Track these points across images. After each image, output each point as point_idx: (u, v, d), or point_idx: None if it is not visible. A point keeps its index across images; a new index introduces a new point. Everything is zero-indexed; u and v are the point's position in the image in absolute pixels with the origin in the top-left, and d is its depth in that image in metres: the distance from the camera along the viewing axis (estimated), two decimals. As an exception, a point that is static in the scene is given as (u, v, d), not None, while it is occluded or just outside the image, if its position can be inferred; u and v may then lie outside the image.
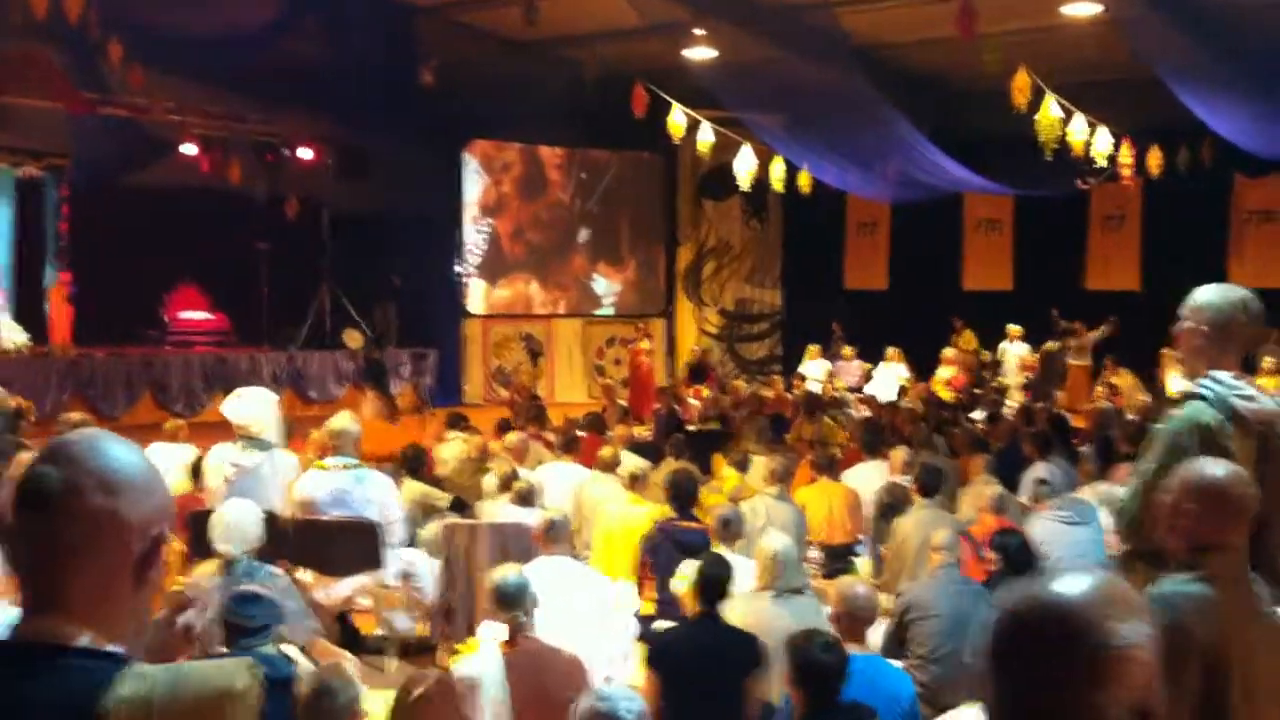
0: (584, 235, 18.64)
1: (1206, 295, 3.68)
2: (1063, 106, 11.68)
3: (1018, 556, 5.69)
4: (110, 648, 1.51)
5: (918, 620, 5.27)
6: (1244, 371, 3.63)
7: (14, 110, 14.15)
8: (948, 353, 15.96)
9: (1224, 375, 3.57)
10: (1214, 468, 2.98)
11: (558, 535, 5.62)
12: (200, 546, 6.13)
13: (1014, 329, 15.66)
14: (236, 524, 5.27)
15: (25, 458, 5.17)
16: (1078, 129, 12.08)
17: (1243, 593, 2.94)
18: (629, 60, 14.21)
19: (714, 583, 4.79)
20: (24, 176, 14.58)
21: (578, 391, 17.63)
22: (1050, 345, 14.82)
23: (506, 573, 4.50)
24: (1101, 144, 12.50)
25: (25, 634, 1.52)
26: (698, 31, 12.89)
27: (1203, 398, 3.55)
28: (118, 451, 1.56)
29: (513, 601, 4.37)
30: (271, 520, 5.94)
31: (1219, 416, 3.50)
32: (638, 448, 9.34)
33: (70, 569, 1.51)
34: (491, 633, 5.51)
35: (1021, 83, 11.15)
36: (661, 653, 4.67)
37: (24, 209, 14.70)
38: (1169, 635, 2.76)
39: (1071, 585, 1.42)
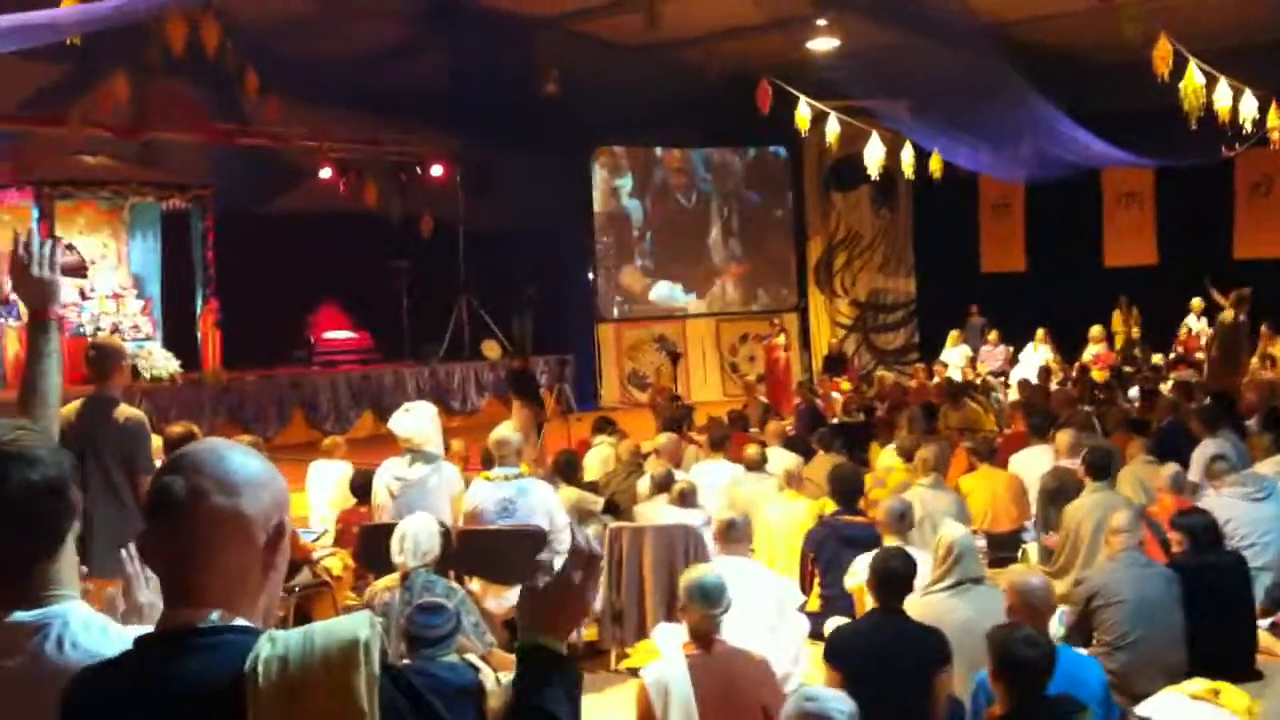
0: (714, 234, 18.61)
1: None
2: (1205, 73, 11.28)
3: (1204, 536, 5.50)
4: (242, 622, 1.68)
5: (1103, 606, 5.11)
6: None
7: (158, 145, 14.70)
8: (1095, 331, 15.52)
9: None
10: None
11: (737, 535, 5.58)
12: (371, 560, 6.26)
13: (1196, 303, 15.00)
14: (415, 537, 5.35)
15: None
16: (1222, 95, 11.66)
17: None
18: (750, 57, 14.12)
19: (896, 577, 4.70)
20: (170, 209, 15.11)
21: (713, 390, 17.60)
22: (1227, 315, 14.26)
23: (702, 571, 4.47)
24: (1248, 108, 12.04)
25: (167, 623, 1.70)
26: (819, 22, 12.77)
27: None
28: (233, 455, 1.75)
29: (709, 599, 4.33)
30: (444, 532, 6.01)
31: None
32: (786, 443, 9.26)
33: (203, 564, 1.69)
34: (668, 635, 5.51)
35: (1164, 51, 10.79)
36: (843, 649, 4.60)
37: (171, 240, 15.22)
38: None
39: None
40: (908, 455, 8.11)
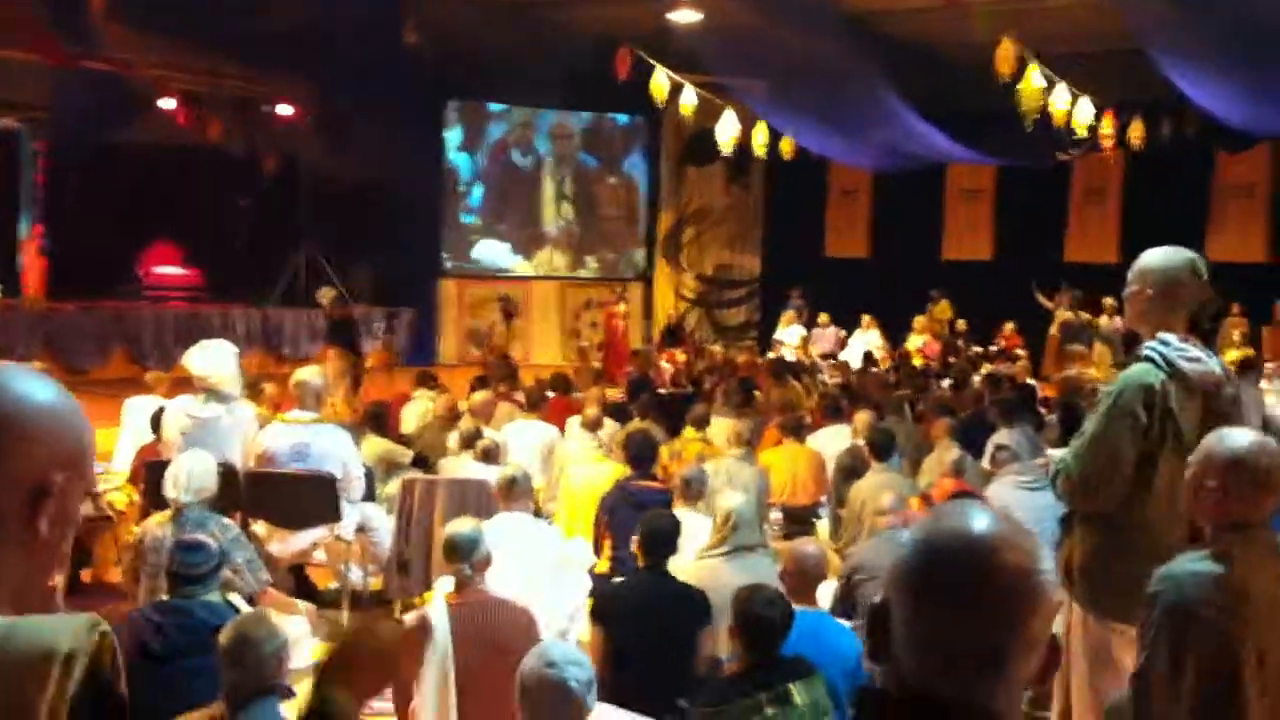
0: (546, 197, 18.60)
1: (1153, 258, 3.66)
2: (1046, 77, 11.63)
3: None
4: None
5: (865, 581, 5.28)
6: (1191, 334, 3.62)
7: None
8: (918, 321, 15.96)
9: (1170, 337, 3.57)
10: (1236, 439, 2.91)
11: (517, 491, 5.60)
12: (156, 497, 6.12)
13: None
14: (189, 474, 5.25)
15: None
16: (1060, 99, 12.04)
17: (1268, 569, 2.87)
18: (613, 23, 14.09)
19: (658, 536, 4.79)
20: (3, 129, 14.47)
21: (554, 354, 17.62)
22: (1065, 315, 14.75)
23: (460, 526, 4.50)
24: (1083, 115, 12.47)
25: None
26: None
27: (1149, 359, 3.55)
28: (14, 387, 1.40)
29: (462, 553, 4.36)
30: (228, 472, 5.91)
31: (1164, 377, 3.49)
32: (609, 409, 9.34)
33: None
34: (447, 587, 5.53)
35: (1005, 52, 11.10)
36: (606, 605, 4.68)
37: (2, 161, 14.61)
38: (1171, 615, 2.77)
39: (982, 519, 1.43)
40: (698, 424, 8.26)
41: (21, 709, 1.29)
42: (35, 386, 1.41)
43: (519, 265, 18.35)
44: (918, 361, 13.48)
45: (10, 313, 13.02)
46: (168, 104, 14.86)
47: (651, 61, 12.52)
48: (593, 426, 8.33)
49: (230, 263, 15.34)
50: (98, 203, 14.13)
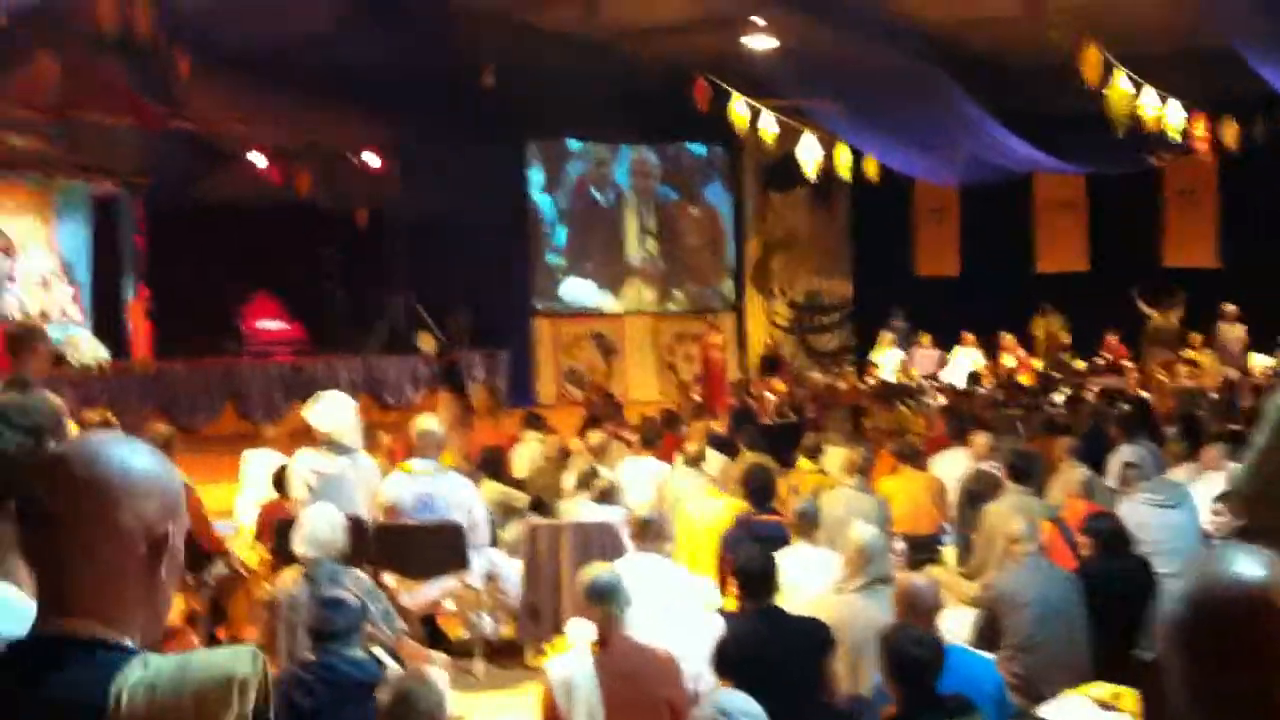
0: (647, 231, 18.63)
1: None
2: (1133, 80, 11.44)
3: (1111, 541, 5.58)
4: (119, 640, 1.57)
5: (1008, 610, 5.18)
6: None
7: (87, 128, 14.41)
8: (1007, 339, 15.68)
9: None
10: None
11: (651, 533, 5.59)
12: (286, 553, 6.20)
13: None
14: (319, 529, 5.31)
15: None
16: (1149, 103, 11.83)
17: None
18: (686, 54, 14.13)
19: (755, 575, 4.75)
20: (99, 194, 14.87)
21: (650, 389, 17.60)
22: (1160, 320, 14.46)
23: (599, 570, 4.49)
24: (1174, 118, 12.23)
25: (37, 632, 1.60)
26: (757, 21, 12.80)
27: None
28: (116, 456, 1.61)
29: (605, 597, 4.35)
30: (355, 525, 5.97)
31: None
32: (714, 443, 9.30)
33: (75, 572, 1.58)
34: (580, 632, 5.52)
35: (1092, 58, 10.94)
36: (725, 657, 4.62)
37: (101, 225, 14.99)
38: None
39: (1252, 565, 1.40)
40: (812, 455, 8.18)
41: None
42: (135, 451, 1.64)
43: (606, 302, 18.39)
44: (1024, 379, 13.26)
45: (122, 376, 13.30)
46: (257, 160, 15.20)
47: (729, 89, 12.53)
48: (695, 461, 8.29)
49: (329, 314, 15.57)
50: (196, 262, 14.44)
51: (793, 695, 4.39)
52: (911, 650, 3.77)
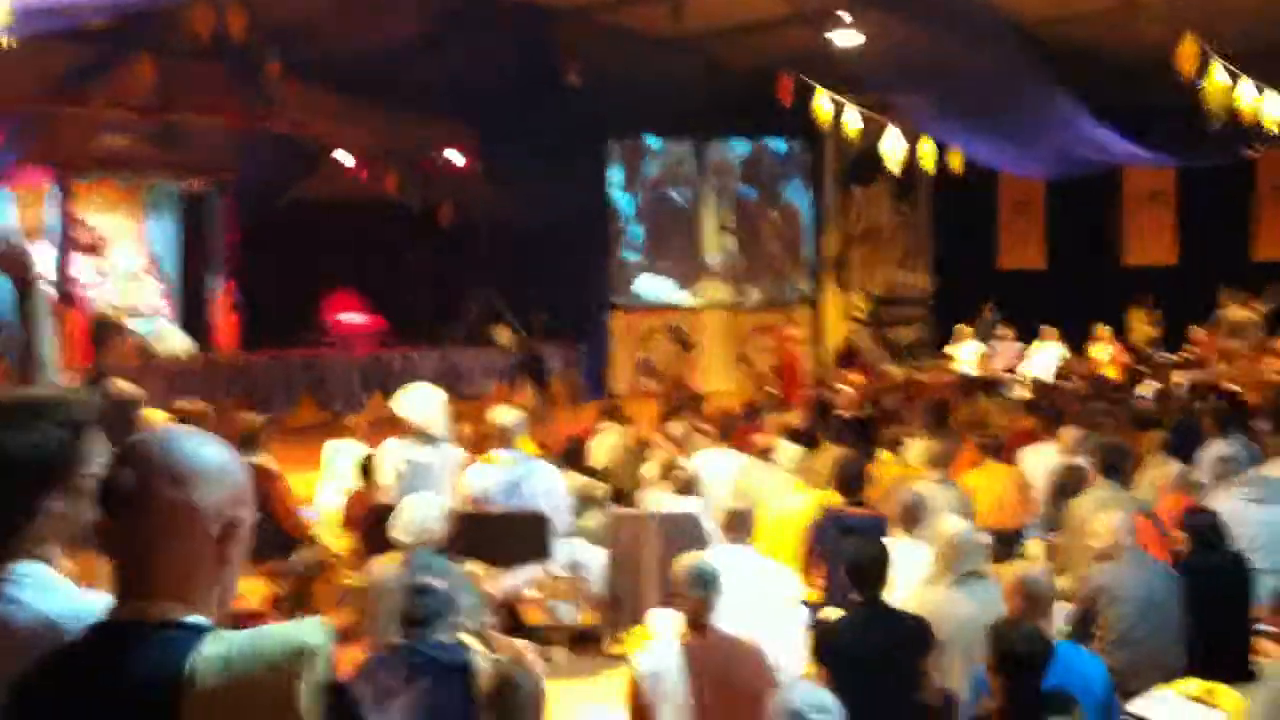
0: (725, 229, 18.58)
1: None
2: (1229, 72, 11.17)
3: (1208, 536, 5.46)
4: (193, 619, 1.66)
5: (1106, 604, 5.08)
6: None
7: (180, 127, 14.74)
8: (1102, 330, 15.41)
9: None
10: None
11: (740, 525, 5.57)
12: (375, 541, 6.26)
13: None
14: (418, 517, 5.36)
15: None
16: (1246, 95, 11.55)
17: None
18: (767, 50, 14.05)
19: (870, 567, 4.69)
20: (189, 191, 15.19)
21: (725, 381, 17.55)
22: (1242, 314, 14.09)
23: (697, 558, 4.49)
24: (1270, 109, 11.91)
25: (116, 615, 1.70)
26: (843, 16, 12.69)
27: None
28: (187, 445, 1.72)
29: (704, 585, 4.34)
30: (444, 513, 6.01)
31: None
32: (793, 435, 9.24)
33: (152, 557, 1.67)
34: (661, 621, 5.51)
35: (1188, 50, 10.69)
36: (827, 642, 4.60)
37: (189, 222, 15.32)
38: None
39: None
40: (892, 447, 8.10)
41: (287, 696, 1.53)
42: (205, 442, 1.75)
43: (683, 297, 18.37)
44: (1110, 373, 13.01)
45: (207, 367, 13.57)
46: (344, 159, 15.44)
47: (813, 84, 12.43)
48: (768, 454, 8.23)
49: (410, 308, 15.77)
50: (283, 257, 14.70)
51: (891, 690, 4.36)
52: (1020, 645, 3.73)
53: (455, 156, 15.84)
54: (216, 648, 1.58)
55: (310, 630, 1.60)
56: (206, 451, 1.73)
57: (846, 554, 4.85)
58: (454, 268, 15.94)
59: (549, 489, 6.63)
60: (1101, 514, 5.65)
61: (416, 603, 4.49)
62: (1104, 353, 14.75)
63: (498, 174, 15.87)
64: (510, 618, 6.86)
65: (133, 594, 1.68)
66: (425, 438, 6.59)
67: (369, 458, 7.26)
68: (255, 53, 12.55)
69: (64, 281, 13.69)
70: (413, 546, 5.33)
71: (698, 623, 4.38)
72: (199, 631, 1.63)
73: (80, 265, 14.18)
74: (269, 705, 1.54)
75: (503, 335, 15.39)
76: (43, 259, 13.58)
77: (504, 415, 6.94)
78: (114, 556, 1.71)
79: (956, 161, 13.99)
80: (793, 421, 10.01)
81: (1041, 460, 7.94)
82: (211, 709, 1.54)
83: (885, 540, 5.37)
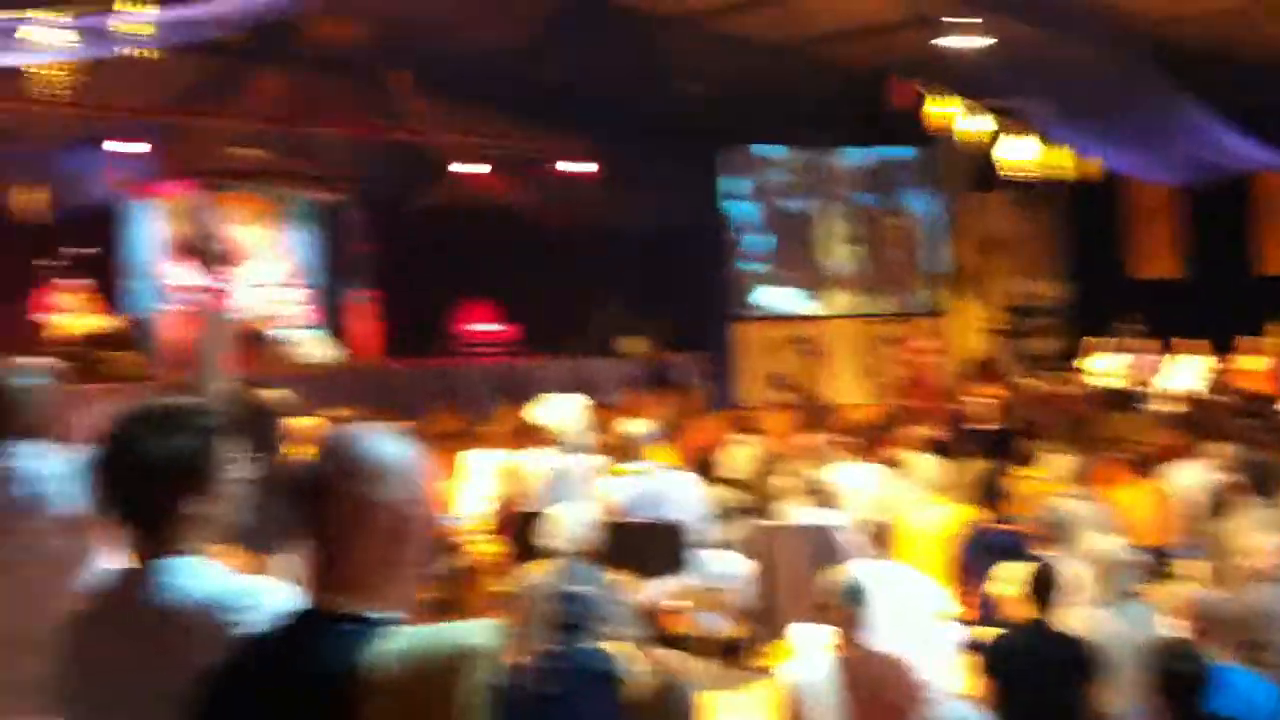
0: (844, 237, 18.45)
1: None
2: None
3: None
4: (376, 614, 1.72)
5: (1268, 627, 4.96)
6: None
7: (310, 140, 15.19)
8: (1247, 342, 14.92)
9: None
10: None
11: (880, 538, 5.57)
12: (521, 547, 6.39)
13: None
14: (567, 525, 5.46)
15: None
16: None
17: None
18: (883, 55, 13.90)
19: (1047, 585, 4.66)
20: (324, 202, 15.64)
21: (855, 393, 17.42)
22: None
23: (847, 572, 4.51)
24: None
25: (304, 607, 1.78)
26: (960, 20, 12.53)
27: None
28: (376, 443, 1.79)
29: (855, 599, 4.36)
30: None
31: None
32: (928, 447, 9.15)
33: (337, 551, 1.75)
34: (805, 636, 5.52)
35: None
36: (998, 659, 4.57)
37: (326, 233, 15.78)
38: None
39: None
40: (1027, 461, 7.97)
41: (458, 695, 1.58)
42: (389, 439, 1.82)
43: (807, 307, 18.29)
44: (1257, 387, 12.59)
45: (348, 375, 13.90)
46: (465, 169, 15.78)
47: (930, 90, 12.30)
48: (903, 466, 8.19)
49: (537, 317, 15.96)
50: (412, 266, 15.01)
51: (1058, 712, 4.33)
52: (1180, 665, 3.68)
53: (576, 166, 16.05)
54: (394, 643, 1.64)
55: (484, 631, 1.65)
56: (390, 448, 1.80)
57: (1028, 575, 4.82)
58: (579, 277, 16.11)
59: (687, 499, 6.69)
60: (1257, 534, 5.52)
61: (566, 609, 4.59)
62: (1257, 364, 14.23)
63: (615, 183, 16.03)
64: (654, 628, 6.93)
65: (319, 587, 1.76)
66: (567, 446, 6.71)
67: (512, 466, 7.40)
68: (380, 64, 12.87)
69: (209, 291, 14.15)
70: (562, 554, 5.43)
71: (847, 636, 4.40)
72: (379, 626, 1.70)
73: (225, 275, 14.65)
74: (441, 702, 1.59)
75: (633, 345, 15.51)
76: (189, 270, 14.10)
77: (634, 426, 7.02)
78: (303, 550, 1.79)
79: (1081, 166, 13.69)
80: (927, 434, 9.92)
81: (1189, 477, 7.75)
82: (387, 703, 1.60)
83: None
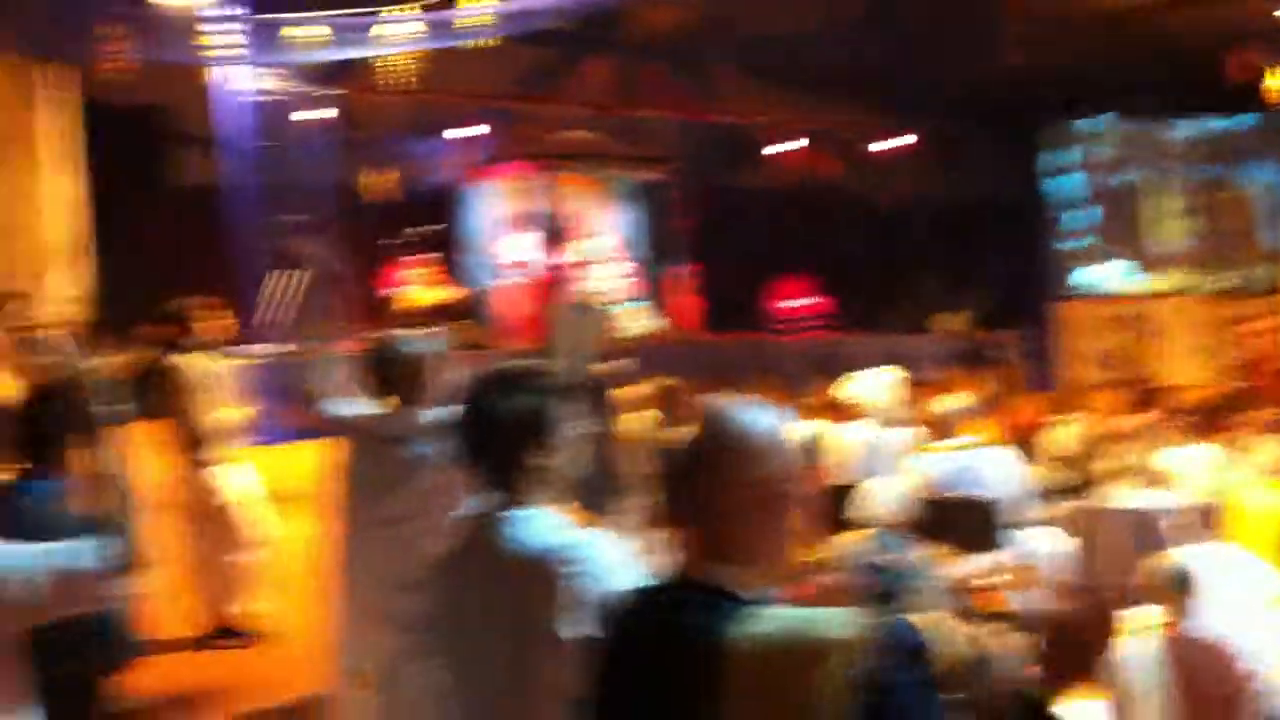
0: (1179, 211, 17.41)
1: None
2: None
3: None
4: (745, 590, 1.74)
5: None
6: None
7: (637, 122, 15.76)
8: None
9: None
10: None
11: (1212, 521, 5.35)
12: (831, 519, 6.49)
13: None
14: (879, 497, 5.53)
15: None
16: None
17: None
18: (1218, 25, 13.02)
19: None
20: (649, 181, 16.22)
21: (1188, 373, 16.46)
22: None
23: (1175, 554, 4.39)
24: None
25: (674, 575, 1.82)
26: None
27: None
28: (746, 417, 1.80)
29: (1184, 581, 4.26)
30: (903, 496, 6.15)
31: None
32: (1270, 430, 8.59)
33: (708, 521, 1.77)
34: (1130, 616, 5.37)
35: None
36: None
37: (650, 211, 16.34)
38: None
39: None
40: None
41: (804, 682, 1.59)
42: (761, 413, 1.83)
43: (1136, 284, 17.41)
44: None
45: (666, 346, 14.38)
46: (783, 148, 15.94)
47: (1267, 60, 11.43)
48: (1244, 449, 7.73)
49: (852, 293, 15.96)
50: (730, 242, 15.31)
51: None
52: None
53: (893, 142, 15.90)
54: (762, 625, 1.66)
55: (851, 622, 1.64)
56: (762, 422, 1.81)
57: None
58: (895, 253, 16.00)
59: (1004, 476, 6.59)
60: None
61: (877, 580, 4.67)
62: None
63: (933, 158, 15.76)
64: (967, 604, 6.88)
65: (694, 557, 1.79)
66: (878, 420, 6.74)
67: (822, 437, 7.49)
68: (701, 49, 13.14)
69: (547, 268, 14.98)
70: (874, 525, 5.50)
71: (1175, 619, 4.29)
72: (750, 605, 1.71)
73: (561, 251, 15.46)
74: (800, 690, 1.59)
75: (951, 321, 15.26)
76: (530, 246, 15.00)
77: (948, 402, 6.96)
78: (677, 520, 1.82)
79: None
80: (1268, 416, 9.31)
81: None
82: (748, 683, 1.62)
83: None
